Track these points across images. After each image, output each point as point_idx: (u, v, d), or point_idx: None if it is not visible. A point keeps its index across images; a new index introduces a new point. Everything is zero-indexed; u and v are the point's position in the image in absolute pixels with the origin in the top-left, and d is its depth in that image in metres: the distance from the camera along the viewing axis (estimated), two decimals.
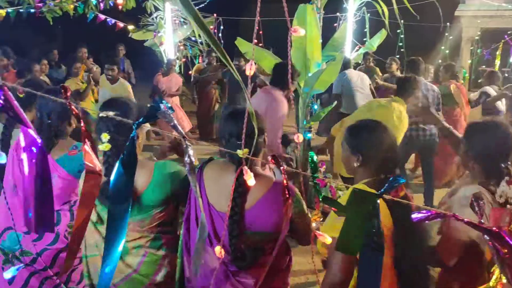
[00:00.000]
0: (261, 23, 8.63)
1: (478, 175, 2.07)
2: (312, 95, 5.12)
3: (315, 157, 1.28)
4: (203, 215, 1.43)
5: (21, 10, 6.02)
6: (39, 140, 1.20)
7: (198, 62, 9.35)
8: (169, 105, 1.31)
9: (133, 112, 2.08)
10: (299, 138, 1.27)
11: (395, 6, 5.75)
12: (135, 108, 2.11)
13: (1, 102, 1.23)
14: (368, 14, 7.36)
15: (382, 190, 1.26)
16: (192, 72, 8.75)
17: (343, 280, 1.72)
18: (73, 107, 1.23)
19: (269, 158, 1.31)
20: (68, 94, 1.23)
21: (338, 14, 7.75)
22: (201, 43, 8.65)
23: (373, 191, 1.20)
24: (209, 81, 8.58)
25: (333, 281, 1.73)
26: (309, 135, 5.06)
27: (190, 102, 9.16)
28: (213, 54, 8.36)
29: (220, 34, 8.98)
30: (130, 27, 8.13)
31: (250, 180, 1.29)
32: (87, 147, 1.26)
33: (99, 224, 2.11)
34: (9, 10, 5.89)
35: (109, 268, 1.20)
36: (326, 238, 1.24)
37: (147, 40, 8.55)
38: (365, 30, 7.49)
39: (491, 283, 1.73)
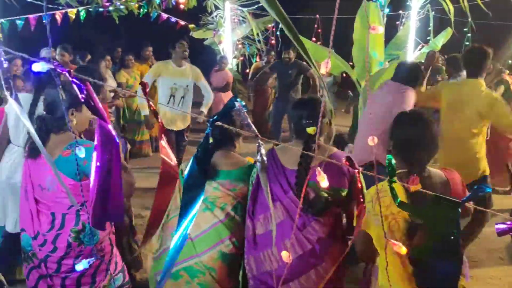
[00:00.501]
0: (320, 21, 8.60)
1: None
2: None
3: (393, 160, 1.24)
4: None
5: (90, 10, 6.28)
6: (117, 138, 1.24)
7: (256, 61, 9.39)
8: (243, 103, 1.31)
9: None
10: (374, 140, 1.23)
11: (465, 3, 5.50)
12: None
13: (83, 97, 1.28)
14: (433, 12, 7.09)
15: (465, 198, 1.21)
16: (249, 70, 8.80)
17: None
18: (151, 103, 1.26)
19: (344, 160, 1.29)
20: (147, 90, 1.26)
21: (401, 12, 7.51)
22: (259, 41, 8.67)
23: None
24: (266, 80, 8.59)
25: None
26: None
27: (245, 100, 9.22)
28: (272, 53, 8.37)
29: (278, 33, 8.96)
30: (191, 26, 8.29)
31: (324, 182, 1.27)
32: (164, 142, 1.28)
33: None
34: (80, 9, 6.16)
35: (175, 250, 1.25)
36: (401, 247, 1.20)
37: (207, 38, 8.69)
38: (429, 28, 7.22)
39: None
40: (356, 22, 4.84)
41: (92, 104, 1.27)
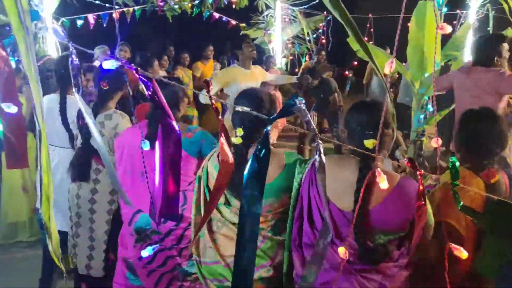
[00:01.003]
0: (373, 21, 8.43)
1: None
2: (427, 96, 4.86)
3: (457, 163, 1.20)
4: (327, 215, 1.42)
5: (145, 9, 6.46)
6: (179, 133, 1.28)
7: (305, 60, 9.34)
8: (304, 100, 1.31)
9: (266, 104, 2.16)
10: (438, 142, 1.20)
11: None
12: (268, 99, 2.18)
13: (149, 93, 1.32)
14: (493, 12, 6.80)
15: None
16: (298, 70, 8.77)
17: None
18: (213, 101, 1.28)
19: (405, 161, 1.25)
20: (210, 88, 1.29)
21: (458, 11, 7.26)
22: (309, 41, 8.62)
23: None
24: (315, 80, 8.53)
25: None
26: (423, 138, 4.81)
27: None
28: (322, 53, 8.30)
29: (329, 32, 8.87)
30: (242, 25, 8.36)
31: (383, 183, 1.24)
32: (223, 139, 1.30)
33: (226, 205, 2.22)
34: (136, 8, 6.35)
35: (247, 254, 1.24)
36: (462, 252, 1.16)
37: (257, 38, 8.73)
38: (488, 28, 6.93)
39: None
40: (412, 22, 4.71)
41: (157, 100, 1.31)
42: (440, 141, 1.22)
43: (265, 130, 1.31)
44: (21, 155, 1.81)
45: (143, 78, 1.29)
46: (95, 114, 3.00)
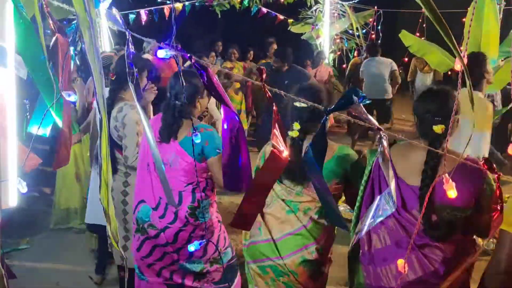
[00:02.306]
0: (424, 16, 8.16)
1: None
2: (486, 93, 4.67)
3: None
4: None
5: (196, 4, 6.54)
6: (237, 119, 1.28)
7: (354, 56, 9.18)
8: (364, 95, 1.27)
9: (324, 97, 2.32)
10: None
11: None
12: (325, 93, 2.35)
13: (205, 82, 1.33)
14: None
15: None
16: (347, 66, 8.63)
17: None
18: (267, 89, 1.27)
19: (481, 162, 1.20)
20: (264, 76, 1.28)
21: None
22: (358, 36, 8.47)
23: None
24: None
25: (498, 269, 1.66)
26: None
27: (339, 95, 9.07)
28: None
29: (379, 27, 8.67)
30: (290, 20, 8.31)
31: (451, 191, 1.20)
32: (277, 131, 1.29)
33: (278, 181, 2.37)
34: (186, 3, 6.44)
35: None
36: None
37: (304, 33, 8.66)
38: None
39: None
40: (468, 17, 4.53)
41: (214, 88, 1.32)
42: None
43: (322, 120, 1.29)
44: (67, 153, 1.85)
45: (198, 67, 1.29)
46: (109, 107, 3.05)
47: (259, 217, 2.36)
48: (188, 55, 1.34)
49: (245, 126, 7.58)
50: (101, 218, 3.24)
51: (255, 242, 2.40)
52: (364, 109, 1.22)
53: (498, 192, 1.13)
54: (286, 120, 2.33)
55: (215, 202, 2.68)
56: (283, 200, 2.35)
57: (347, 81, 8.47)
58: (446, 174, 1.22)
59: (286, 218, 2.32)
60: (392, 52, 9.32)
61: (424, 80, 8.13)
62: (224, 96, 1.32)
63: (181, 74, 1.46)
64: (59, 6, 2.04)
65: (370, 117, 1.23)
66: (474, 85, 3.63)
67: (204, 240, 2.38)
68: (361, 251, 2.22)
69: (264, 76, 1.29)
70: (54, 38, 1.58)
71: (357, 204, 2.23)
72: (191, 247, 1.93)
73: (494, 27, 4.39)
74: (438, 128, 1.92)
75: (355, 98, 1.20)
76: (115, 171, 3.12)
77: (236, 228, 1.86)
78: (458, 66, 1.11)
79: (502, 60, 4.67)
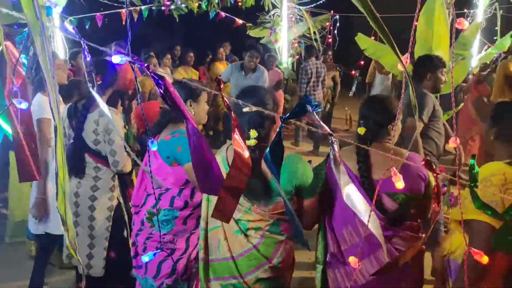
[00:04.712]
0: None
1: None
2: (436, 95, 4.83)
3: (476, 166, 1.19)
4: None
5: (153, 8, 6.46)
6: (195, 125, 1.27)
7: None
8: (316, 102, 1.30)
9: (270, 102, 2.18)
10: (457, 141, 1.18)
11: None
12: (270, 97, 2.21)
13: (161, 92, 1.31)
14: (501, 11, 6.76)
15: None
16: None
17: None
18: (225, 98, 1.27)
19: (422, 162, 1.24)
20: (222, 86, 1.27)
21: (465, 10, 7.22)
22: (316, 40, 8.60)
23: None
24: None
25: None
26: None
27: (298, 99, 9.18)
28: (329, 52, 8.28)
29: (335, 31, 8.85)
30: (248, 24, 8.34)
31: (399, 183, 1.24)
32: (237, 136, 1.29)
33: None
34: (143, 8, 6.35)
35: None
36: (484, 257, 1.15)
37: (263, 37, 8.71)
38: (496, 28, 6.89)
39: None
40: (420, 20, 4.69)
41: (171, 97, 1.30)
42: (458, 140, 1.20)
43: (278, 129, 1.30)
44: (28, 164, 1.75)
45: (155, 76, 1.28)
46: (87, 111, 3.01)
47: (218, 234, 2.24)
48: (146, 64, 1.32)
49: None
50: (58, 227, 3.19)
51: (214, 260, 2.27)
52: (317, 116, 1.25)
53: (436, 189, 1.20)
54: (243, 127, 2.15)
55: (195, 221, 2.48)
56: (239, 220, 2.21)
57: (306, 84, 8.59)
58: (394, 168, 1.26)
59: (236, 239, 2.20)
60: (349, 56, 9.54)
61: (383, 82, 8.33)
62: (182, 106, 1.31)
63: (137, 80, 1.43)
64: (7, 12, 1.97)
65: (322, 123, 1.25)
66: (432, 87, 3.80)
67: (159, 251, 2.30)
68: (328, 254, 2.31)
69: (222, 85, 1.29)
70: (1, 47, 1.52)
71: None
72: (145, 258, 1.86)
73: (444, 30, 4.57)
74: (361, 130, 2.24)
75: (308, 106, 1.23)
76: (82, 175, 3.05)
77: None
78: (400, 67, 1.16)
79: (453, 62, 4.84)
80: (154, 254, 1.97)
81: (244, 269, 2.18)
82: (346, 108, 9.27)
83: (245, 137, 2.08)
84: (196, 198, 2.49)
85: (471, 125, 6.28)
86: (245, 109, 1.98)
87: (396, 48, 1.08)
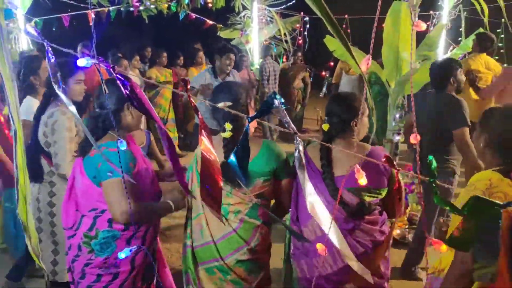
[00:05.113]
0: (349, 22, 8.53)
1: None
2: (402, 95, 4.94)
3: (434, 162, 1.23)
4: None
5: (121, 9, 6.38)
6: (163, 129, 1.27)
7: (283, 61, 9.38)
8: (283, 100, 1.32)
9: (243, 96, 2.38)
10: (417, 138, 1.22)
11: (501, 4, 5.37)
12: (244, 91, 2.40)
13: (127, 92, 1.30)
14: (465, 13, 6.96)
15: (506, 203, 1.18)
16: None
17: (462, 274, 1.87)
18: (192, 100, 1.27)
19: (383, 157, 1.28)
20: (188, 87, 1.28)
21: (431, 12, 7.40)
22: (286, 41, 8.66)
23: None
24: (292, 81, 8.60)
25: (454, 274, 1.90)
26: (398, 137, 4.88)
27: None
28: (299, 54, 8.34)
29: (305, 33, 8.93)
30: (219, 26, 8.33)
31: (362, 179, 1.27)
32: (204, 138, 1.30)
33: None
34: (111, 9, 6.27)
35: None
36: (442, 246, 1.19)
37: (234, 38, 8.71)
38: (461, 29, 7.09)
39: None
40: (387, 22, 4.79)
41: (137, 99, 1.29)
42: (418, 137, 1.24)
43: (245, 129, 1.31)
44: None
45: (121, 78, 1.27)
46: (41, 112, 2.94)
47: (201, 220, 2.39)
48: (111, 66, 1.31)
49: (175, 134, 7.51)
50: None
51: (198, 246, 2.42)
52: (285, 113, 1.26)
53: (397, 184, 1.26)
54: (219, 121, 2.39)
55: (141, 240, 2.33)
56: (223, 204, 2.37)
57: (267, 81, 8.64)
58: (357, 165, 1.30)
59: (217, 223, 2.34)
60: (319, 57, 9.64)
61: (350, 82, 8.45)
62: (150, 108, 1.31)
63: (103, 82, 1.41)
64: None
65: (290, 121, 1.27)
66: None
67: (135, 246, 2.19)
68: (292, 247, 2.40)
69: (189, 86, 1.29)
70: None
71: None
72: (122, 254, 1.80)
73: (410, 32, 4.66)
74: (325, 126, 2.33)
75: (276, 103, 1.24)
76: (41, 180, 2.98)
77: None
78: (363, 67, 1.19)
79: (419, 63, 4.96)
80: (131, 250, 1.93)
81: (225, 251, 2.34)
82: (317, 109, 9.36)
83: (221, 130, 2.31)
84: None
85: None
86: (220, 104, 2.25)
87: (351, 50, 1.11)
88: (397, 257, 4.05)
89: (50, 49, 1.32)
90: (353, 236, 2.28)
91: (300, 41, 8.96)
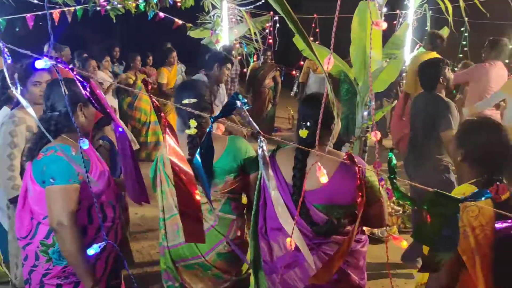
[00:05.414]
0: (318, 21, 8.60)
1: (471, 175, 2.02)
2: (371, 93, 5.01)
3: (394, 159, 1.25)
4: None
5: (88, 9, 6.25)
6: (122, 129, 1.25)
7: (253, 61, 9.38)
8: (245, 100, 1.32)
9: (206, 94, 2.43)
10: (376, 135, 1.24)
11: (461, 4, 5.52)
12: (206, 89, 2.45)
13: (87, 94, 1.28)
14: (430, 12, 7.12)
15: (463, 198, 1.22)
16: (247, 70, 8.81)
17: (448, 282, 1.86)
18: (154, 100, 1.26)
19: (344, 156, 1.29)
20: (149, 87, 1.27)
21: (398, 11, 7.54)
22: (256, 41, 8.66)
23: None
24: (263, 80, 8.62)
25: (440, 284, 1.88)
26: (367, 135, 4.95)
27: None
28: (269, 53, 8.36)
29: (275, 32, 8.95)
30: (188, 25, 8.27)
31: (323, 177, 1.28)
32: (168, 137, 1.29)
33: None
34: (77, 8, 6.14)
35: None
36: (403, 242, 1.22)
37: (204, 38, 8.66)
38: (426, 28, 7.25)
39: None
40: (354, 21, 4.85)
41: (97, 100, 1.28)
42: (379, 135, 1.26)
43: (208, 128, 1.31)
44: None
45: (80, 78, 1.25)
46: None
47: (177, 220, 2.40)
48: (70, 66, 1.29)
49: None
50: None
51: (176, 245, 2.45)
52: (247, 113, 1.26)
53: (358, 182, 1.25)
54: (184, 118, 2.41)
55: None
56: None
57: (248, 85, 8.65)
58: (318, 163, 1.30)
59: None
60: (289, 57, 9.68)
61: (318, 81, 8.52)
62: (109, 109, 1.29)
63: (62, 82, 1.38)
64: None
65: (252, 121, 1.27)
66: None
67: (104, 242, 2.14)
68: (262, 259, 2.26)
69: (149, 87, 1.28)
70: None
71: (253, 211, 2.30)
72: (90, 250, 1.75)
73: (377, 31, 4.74)
74: (303, 133, 2.07)
75: (238, 103, 1.24)
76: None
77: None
78: (325, 66, 1.20)
79: (386, 61, 5.05)
80: (100, 247, 1.87)
81: (204, 248, 2.38)
82: (288, 108, 9.42)
83: (186, 126, 2.32)
84: (97, 219, 2.22)
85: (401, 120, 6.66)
86: (185, 101, 2.32)
87: (314, 48, 1.12)
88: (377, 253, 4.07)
89: (6, 50, 1.29)
90: (321, 250, 2.09)
91: (270, 41, 8.98)
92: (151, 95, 1.25)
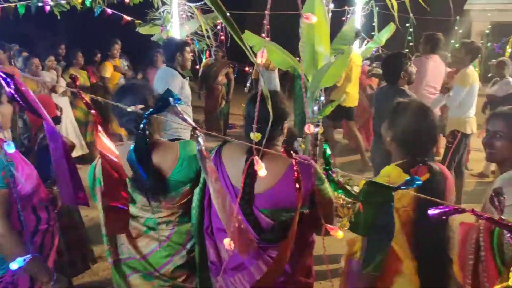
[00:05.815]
0: (268, 17, 8.64)
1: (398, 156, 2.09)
2: (320, 88, 5.09)
3: (328, 150, 1.27)
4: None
5: (30, 5, 6.01)
6: (54, 128, 1.21)
7: (206, 57, 9.32)
8: (178, 97, 1.30)
9: (151, 96, 2.13)
10: (309, 128, 1.25)
11: (406, 0, 5.70)
12: (148, 91, 2.17)
13: (12, 91, 1.22)
14: (377, 8, 7.31)
15: (396, 186, 1.25)
16: (200, 67, 8.74)
17: None
18: (82, 95, 1.22)
19: (281, 149, 1.30)
20: (77, 83, 1.23)
21: (346, 7, 7.69)
22: (208, 37, 8.60)
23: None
24: (215, 77, 8.58)
25: None
26: (317, 129, 5.02)
27: (196, 97, 9.14)
28: (221, 49, 8.32)
29: (227, 29, 8.94)
30: (137, 22, 8.11)
31: (262, 171, 1.28)
32: (101, 134, 1.25)
33: (132, 204, 2.17)
34: (18, 4, 5.88)
35: None
36: (338, 232, 1.24)
37: (154, 34, 8.52)
38: (373, 24, 7.44)
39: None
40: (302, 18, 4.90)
41: (22, 97, 1.22)
42: (312, 128, 1.28)
43: (141, 125, 1.28)
44: None
45: (3, 75, 1.19)
46: None
47: (121, 237, 2.26)
48: None
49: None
50: None
51: (126, 259, 2.28)
52: (180, 109, 1.25)
53: (296, 175, 1.25)
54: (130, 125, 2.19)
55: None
56: (140, 218, 2.22)
57: (201, 82, 8.59)
58: (257, 157, 1.28)
59: (147, 237, 2.24)
60: (242, 53, 9.65)
61: (270, 78, 8.57)
62: (37, 107, 1.24)
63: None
64: None
65: (186, 117, 1.26)
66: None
67: (29, 256, 2.00)
68: (209, 260, 2.20)
69: (78, 83, 1.24)
70: None
71: (195, 210, 2.22)
72: (14, 265, 1.67)
73: (325, 27, 4.81)
74: (257, 136, 1.81)
75: (171, 99, 1.22)
76: None
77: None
78: (259, 60, 1.20)
79: (334, 56, 5.14)
80: (24, 260, 1.79)
81: (158, 262, 2.24)
82: (242, 104, 9.40)
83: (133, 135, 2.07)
84: (31, 223, 2.16)
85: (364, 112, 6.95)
86: (130, 109, 1.89)
87: (246, 43, 1.12)
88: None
89: None
90: (266, 253, 2.01)
91: (222, 37, 8.95)
92: (79, 91, 1.21)
